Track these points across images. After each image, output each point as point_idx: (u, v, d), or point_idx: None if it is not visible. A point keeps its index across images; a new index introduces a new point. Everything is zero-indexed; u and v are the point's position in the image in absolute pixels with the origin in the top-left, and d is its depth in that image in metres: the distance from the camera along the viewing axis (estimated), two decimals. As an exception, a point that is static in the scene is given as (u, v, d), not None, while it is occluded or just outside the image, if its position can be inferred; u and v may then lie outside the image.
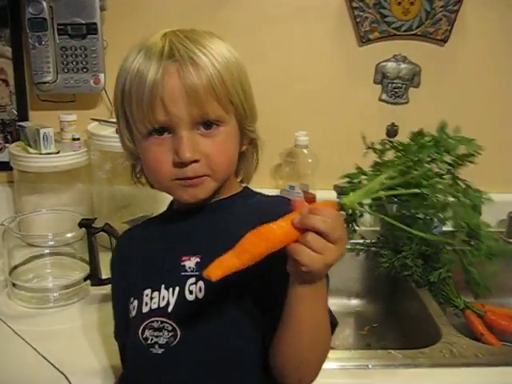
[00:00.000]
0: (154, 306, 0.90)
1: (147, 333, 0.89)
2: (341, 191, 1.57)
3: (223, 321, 0.86)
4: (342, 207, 0.78)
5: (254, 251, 0.73)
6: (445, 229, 0.97)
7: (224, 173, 0.91)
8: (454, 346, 1.20)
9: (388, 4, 1.69)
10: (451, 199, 0.85)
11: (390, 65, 1.77)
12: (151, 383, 0.90)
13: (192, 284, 0.88)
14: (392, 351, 1.18)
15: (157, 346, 0.88)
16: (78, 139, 1.62)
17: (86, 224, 1.31)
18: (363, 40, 1.73)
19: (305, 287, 0.76)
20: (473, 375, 1.13)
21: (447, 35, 1.73)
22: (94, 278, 1.34)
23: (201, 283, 0.87)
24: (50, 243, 1.39)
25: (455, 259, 1.39)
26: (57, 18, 1.61)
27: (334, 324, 0.87)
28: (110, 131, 1.59)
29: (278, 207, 0.87)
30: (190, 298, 0.88)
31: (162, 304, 0.90)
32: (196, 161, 0.86)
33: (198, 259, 0.90)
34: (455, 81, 1.79)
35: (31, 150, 1.59)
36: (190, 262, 0.90)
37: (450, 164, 0.88)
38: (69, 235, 1.34)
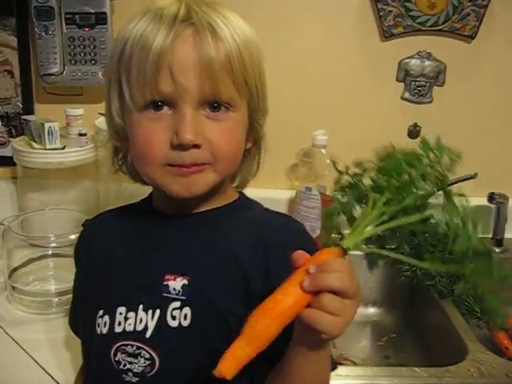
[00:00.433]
0: (129, 328, 0.80)
1: (119, 356, 0.80)
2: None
3: (209, 353, 0.75)
4: (345, 252, 0.67)
5: (266, 334, 0.63)
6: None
7: (227, 165, 0.80)
8: (482, 364, 1.14)
9: (413, -3, 1.62)
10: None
11: (414, 62, 1.69)
12: None
13: (176, 309, 0.78)
14: (416, 369, 1.12)
15: (131, 374, 0.79)
16: (85, 134, 1.56)
17: (90, 225, 1.24)
18: (386, 35, 1.65)
19: (314, 349, 0.68)
20: (504, 398, 1.06)
21: (475, 31, 1.64)
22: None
23: (187, 310, 0.78)
24: (53, 244, 1.32)
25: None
26: (64, 7, 1.54)
27: (331, 369, 0.78)
28: (118, 126, 1.51)
29: (281, 231, 0.81)
30: (172, 323, 0.78)
31: (139, 327, 0.79)
32: (197, 146, 0.74)
33: (185, 281, 0.79)
34: (482, 79, 1.70)
35: (35, 145, 1.53)
36: (175, 283, 0.79)
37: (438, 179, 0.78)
38: (72, 236, 1.27)
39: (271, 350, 0.64)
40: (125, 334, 0.80)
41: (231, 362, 0.62)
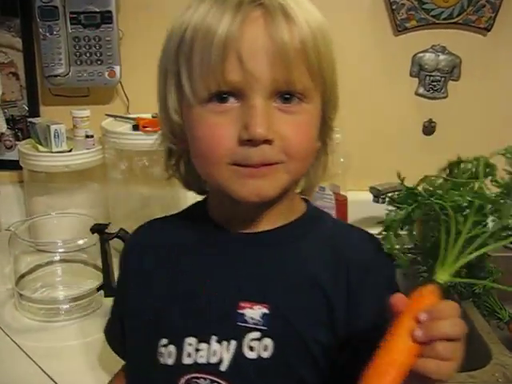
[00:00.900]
0: (202, 361, 0.72)
1: None
2: (378, 194, 1.46)
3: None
4: (442, 287, 0.63)
5: None
6: None
7: (301, 164, 0.71)
8: (507, 368, 1.09)
9: (427, -11, 1.58)
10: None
11: (428, 56, 1.65)
12: None
13: (254, 339, 0.71)
14: (438, 375, 1.06)
15: None
16: (92, 136, 1.52)
17: (98, 229, 1.21)
18: (399, 29, 1.61)
19: None
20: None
21: (491, 23, 1.60)
22: (107, 288, 1.23)
23: (267, 340, 0.70)
24: (60, 250, 1.29)
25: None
26: (69, 6, 1.52)
27: None
28: (126, 128, 1.50)
29: (361, 250, 0.75)
30: (250, 355, 0.70)
31: (213, 360, 0.71)
32: (268, 141, 0.66)
33: (265, 310, 0.71)
34: (499, 73, 1.66)
35: (41, 148, 1.50)
36: (253, 312, 0.71)
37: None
38: (80, 242, 1.24)
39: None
40: (196, 367, 0.72)
41: None
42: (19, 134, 1.69)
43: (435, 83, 1.66)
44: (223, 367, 0.71)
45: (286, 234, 0.76)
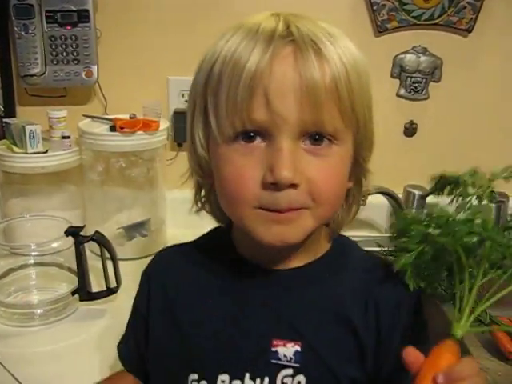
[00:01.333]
0: None
1: None
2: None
3: None
4: (459, 341, 0.63)
5: None
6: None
7: (328, 210, 0.69)
8: (488, 372, 1.09)
9: (408, -10, 1.57)
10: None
11: (409, 57, 1.64)
12: None
13: (287, 376, 0.70)
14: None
15: None
16: (69, 137, 1.49)
17: (73, 232, 1.18)
18: (380, 30, 1.59)
19: None
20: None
21: (472, 25, 1.59)
22: (82, 292, 1.21)
23: (300, 377, 0.70)
24: (34, 253, 1.26)
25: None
26: (45, 5, 1.47)
27: None
28: (103, 129, 1.46)
29: (391, 285, 0.74)
30: None
31: None
32: (294, 185, 0.64)
33: (298, 348, 0.71)
34: (480, 75, 1.65)
35: (16, 150, 1.46)
36: (286, 350, 0.71)
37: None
38: (55, 244, 1.21)
39: None
40: None
41: None
42: (-5, 135, 1.65)
43: (416, 84, 1.65)
44: None
45: (314, 272, 0.75)
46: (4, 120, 1.55)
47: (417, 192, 1.57)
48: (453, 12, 1.57)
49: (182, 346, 0.77)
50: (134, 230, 1.48)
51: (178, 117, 1.59)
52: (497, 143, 1.68)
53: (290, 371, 0.70)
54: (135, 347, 0.87)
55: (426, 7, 1.57)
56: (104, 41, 1.57)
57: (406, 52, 1.63)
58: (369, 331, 0.72)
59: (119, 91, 1.59)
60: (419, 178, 1.59)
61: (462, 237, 0.65)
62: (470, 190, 0.74)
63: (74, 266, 1.22)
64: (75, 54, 1.52)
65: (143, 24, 1.56)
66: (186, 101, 1.56)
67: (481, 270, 0.64)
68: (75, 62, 1.53)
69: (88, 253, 1.22)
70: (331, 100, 0.64)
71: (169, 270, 0.84)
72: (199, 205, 0.80)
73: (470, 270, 0.65)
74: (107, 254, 1.20)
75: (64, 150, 1.47)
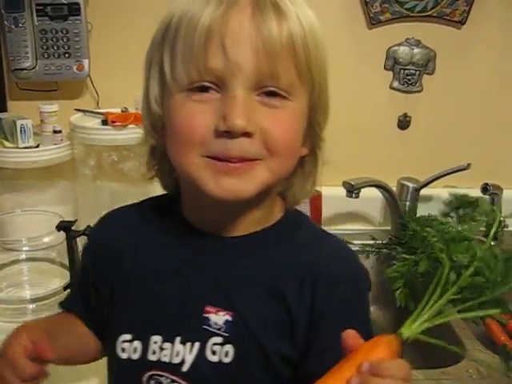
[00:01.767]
0: (165, 359, 0.72)
1: None
2: (351, 188, 1.44)
3: None
4: (404, 343, 0.61)
5: None
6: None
7: (283, 163, 0.67)
8: (481, 364, 1.08)
9: (401, -18, 1.56)
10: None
11: (403, 49, 1.63)
12: None
13: (217, 344, 0.70)
14: (412, 371, 1.05)
15: None
16: (60, 132, 1.48)
17: (65, 227, 1.18)
18: (373, 22, 1.59)
19: None
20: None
21: (465, 17, 1.59)
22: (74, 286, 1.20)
23: (229, 347, 0.70)
24: (25, 248, 1.26)
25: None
26: (35, -3, 1.47)
27: None
28: (94, 123, 1.46)
29: (333, 262, 0.73)
30: (212, 358, 0.70)
31: (176, 360, 0.71)
32: (248, 134, 0.63)
33: (229, 317, 0.71)
34: (474, 66, 1.65)
35: (8, 144, 1.46)
36: (217, 318, 0.71)
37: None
38: (46, 239, 1.21)
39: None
40: (160, 364, 0.72)
41: None
42: (-14, 129, 1.64)
43: (410, 77, 1.65)
44: (185, 368, 0.71)
45: (259, 243, 0.74)
46: (-5, 115, 1.54)
47: (411, 185, 1.57)
48: (446, 4, 1.57)
49: (118, 306, 0.77)
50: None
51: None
52: (491, 135, 1.68)
53: (219, 339, 0.70)
54: (83, 302, 0.85)
55: (419, -1, 1.57)
56: (95, 34, 1.56)
57: (400, 44, 1.63)
58: (302, 308, 0.71)
59: (111, 85, 1.58)
60: (413, 171, 1.59)
61: (456, 252, 0.65)
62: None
63: (66, 261, 1.22)
64: (66, 47, 1.51)
65: (134, 17, 1.55)
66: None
67: (455, 286, 0.63)
68: (66, 55, 1.52)
69: (80, 247, 1.21)
70: (288, 54, 0.64)
71: (114, 228, 0.82)
72: (152, 172, 0.78)
73: (445, 282, 0.64)
74: (99, 249, 1.20)
75: (55, 144, 1.47)
